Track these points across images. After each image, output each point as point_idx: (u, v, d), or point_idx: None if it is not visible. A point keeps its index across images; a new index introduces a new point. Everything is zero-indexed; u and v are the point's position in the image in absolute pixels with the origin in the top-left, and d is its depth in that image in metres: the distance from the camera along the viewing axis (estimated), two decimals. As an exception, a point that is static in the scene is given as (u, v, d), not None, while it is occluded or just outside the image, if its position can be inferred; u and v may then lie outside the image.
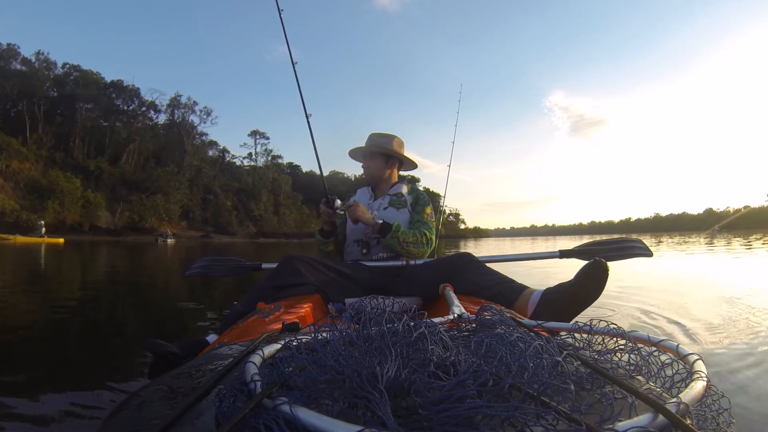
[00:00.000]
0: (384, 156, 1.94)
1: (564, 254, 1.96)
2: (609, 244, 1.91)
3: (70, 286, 4.31)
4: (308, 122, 1.92)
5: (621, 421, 0.37)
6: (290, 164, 75.68)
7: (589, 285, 1.15)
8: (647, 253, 1.85)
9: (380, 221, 1.75)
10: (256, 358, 0.50)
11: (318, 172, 1.91)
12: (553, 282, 1.27)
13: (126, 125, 53.10)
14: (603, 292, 1.17)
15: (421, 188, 2.03)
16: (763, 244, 10.79)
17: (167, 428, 0.40)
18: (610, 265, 1.16)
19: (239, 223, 57.36)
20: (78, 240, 27.91)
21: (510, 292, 1.34)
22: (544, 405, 0.38)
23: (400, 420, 0.38)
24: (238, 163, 67.22)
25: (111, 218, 43.63)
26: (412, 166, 2.06)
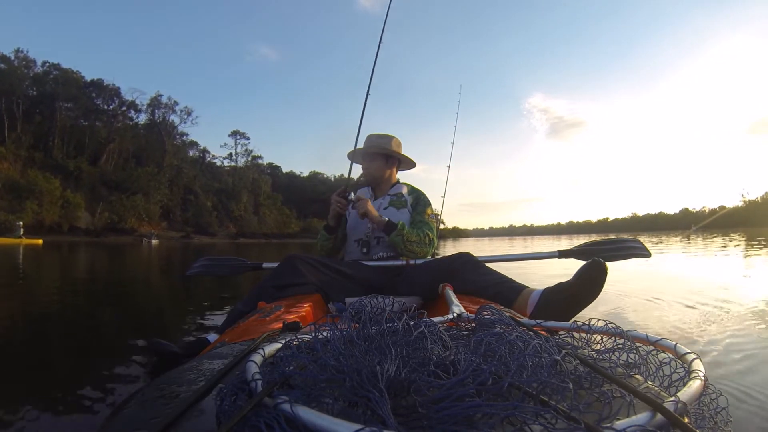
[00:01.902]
0: (384, 156, 1.94)
1: (563, 254, 1.96)
2: (607, 244, 1.92)
3: (60, 286, 4.29)
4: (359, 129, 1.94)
5: (619, 419, 0.37)
6: (270, 164, 75.65)
7: (587, 285, 1.16)
8: (645, 253, 1.85)
9: (386, 219, 1.76)
10: (257, 357, 0.50)
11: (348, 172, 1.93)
12: (552, 282, 1.27)
13: (106, 125, 52.59)
14: (601, 292, 1.18)
15: None
16: (752, 244, 10.80)
17: (169, 426, 0.41)
18: (609, 265, 1.17)
19: (219, 223, 57.29)
20: (57, 241, 27.42)
21: (509, 291, 1.35)
22: (543, 404, 0.38)
23: (400, 419, 0.38)
24: (219, 163, 67.21)
25: (90, 219, 43.12)
26: (411, 165, 2.07)
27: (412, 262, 1.75)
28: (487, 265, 1.55)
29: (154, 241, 32.08)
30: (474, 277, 1.45)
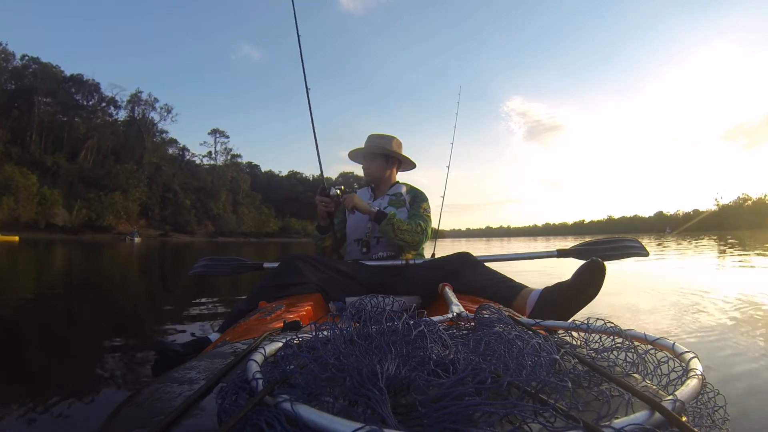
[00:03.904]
0: (384, 157, 1.95)
1: (561, 254, 1.97)
2: (606, 244, 1.92)
3: (49, 284, 4.25)
4: (312, 125, 1.93)
5: (618, 418, 0.37)
6: (249, 163, 75.76)
7: (586, 284, 1.16)
8: (643, 252, 1.86)
9: (376, 209, 1.77)
10: (258, 356, 0.50)
11: (319, 170, 1.92)
12: (550, 281, 1.28)
13: (85, 121, 51.95)
14: (600, 291, 1.18)
15: None
16: (734, 247, 10.81)
17: (170, 425, 0.41)
18: (607, 264, 1.17)
19: (198, 222, 57.13)
20: (33, 238, 27.01)
21: (508, 291, 1.35)
22: (542, 402, 0.39)
23: (399, 417, 0.38)
24: (198, 161, 66.96)
25: (68, 216, 42.56)
26: (411, 165, 2.07)
27: (411, 261, 1.75)
28: (486, 264, 1.56)
29: (137, 239, 31.58)
30: (473, 277, 1.45)
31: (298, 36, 1.97)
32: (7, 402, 1.13)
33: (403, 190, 1.96)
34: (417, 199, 1.92)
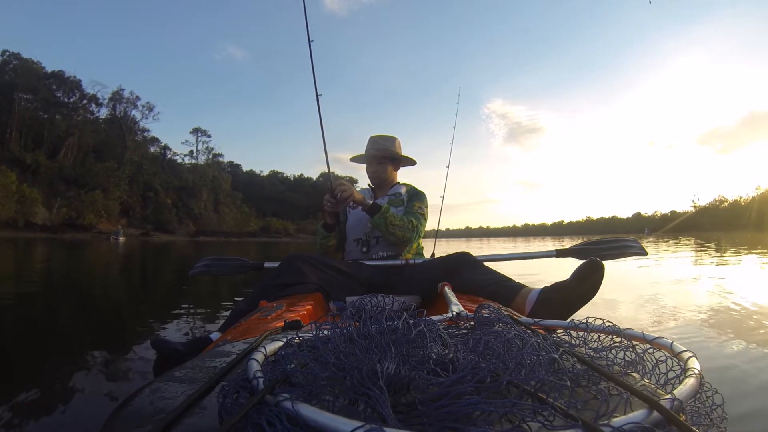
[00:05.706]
0: (391, 159, 1.96)
1: (560, 254, 1.98)
2: (604, 244, 1.93)
3: (45, 284, 4.25)
4: (322, 127, 1.93)
5: (616, 417, 0.37)
6: (231, 163, 75.51)
7: (585, 284, 1.16)
8: (642, 252, 1.87)
9: (370, 202, 1.77)
10: (259, 355, 0.50)
11: (326, 169, 1.92)
12: (550, 281, 1.28)
13: (66, 118, 51.06)
14: (599, 291, 1.18)
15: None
16: (721, 248, 10.81)
17: (171, 424, 0.41)
18: (606, 264, 1.18)
19: (179, 221, 56.70)
20: (13, 237, 26.77)
21: (508, 290, 1.36)
22: (541, 401, 0.39)
23: (399, 416, 0.38)
24: (179, 160, 66.35)
25: (47, 214, 41.94)
26: (411, 162, 2.08)
27: (411, 261, 1.75)
28: (486, 264, 1.56)
29: (122, 239, 31.20)
30: (473, 276, 1.46)
31: (310, 42, 1.94)
32: (6, 403, 1.13)
33: (403, 190, 1.96)
34: (414, 198, 1.93)
